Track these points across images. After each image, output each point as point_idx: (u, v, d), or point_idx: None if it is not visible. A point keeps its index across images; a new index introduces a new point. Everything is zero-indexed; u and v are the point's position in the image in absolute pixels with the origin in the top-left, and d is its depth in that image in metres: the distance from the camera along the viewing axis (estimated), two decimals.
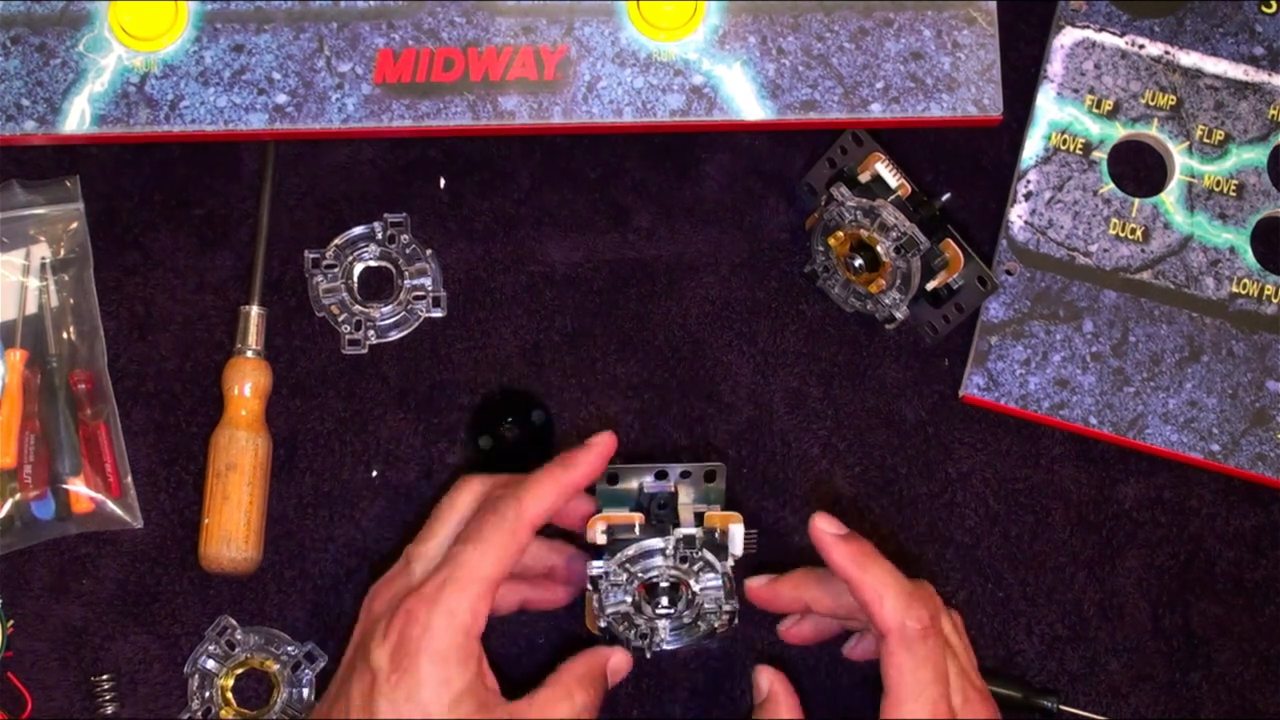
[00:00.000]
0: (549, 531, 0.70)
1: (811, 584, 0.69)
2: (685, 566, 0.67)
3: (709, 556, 0.67)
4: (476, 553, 0.63)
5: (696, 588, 0.68)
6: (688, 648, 0.71)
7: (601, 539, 0.68)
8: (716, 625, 0.69)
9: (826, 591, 0.68)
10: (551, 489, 0.66)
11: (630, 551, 0.67)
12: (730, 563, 0.68)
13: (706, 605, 0.68)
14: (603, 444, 0.68)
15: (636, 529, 0.68)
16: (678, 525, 0.68)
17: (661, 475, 0.70)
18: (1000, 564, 0.76)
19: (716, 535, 0.68)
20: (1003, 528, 0.76)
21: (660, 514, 0.68)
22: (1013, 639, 0.75)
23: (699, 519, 0.69)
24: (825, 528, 0.66)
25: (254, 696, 0.73)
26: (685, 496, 0.70)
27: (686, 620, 0.69)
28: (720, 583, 0.68)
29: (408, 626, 0.61)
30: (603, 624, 0.68)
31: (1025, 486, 0.77)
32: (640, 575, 0.67)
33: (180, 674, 0.73)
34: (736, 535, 0.69)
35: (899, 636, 0.63)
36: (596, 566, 0.67)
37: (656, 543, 0.67)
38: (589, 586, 0.67)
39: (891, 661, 0.63)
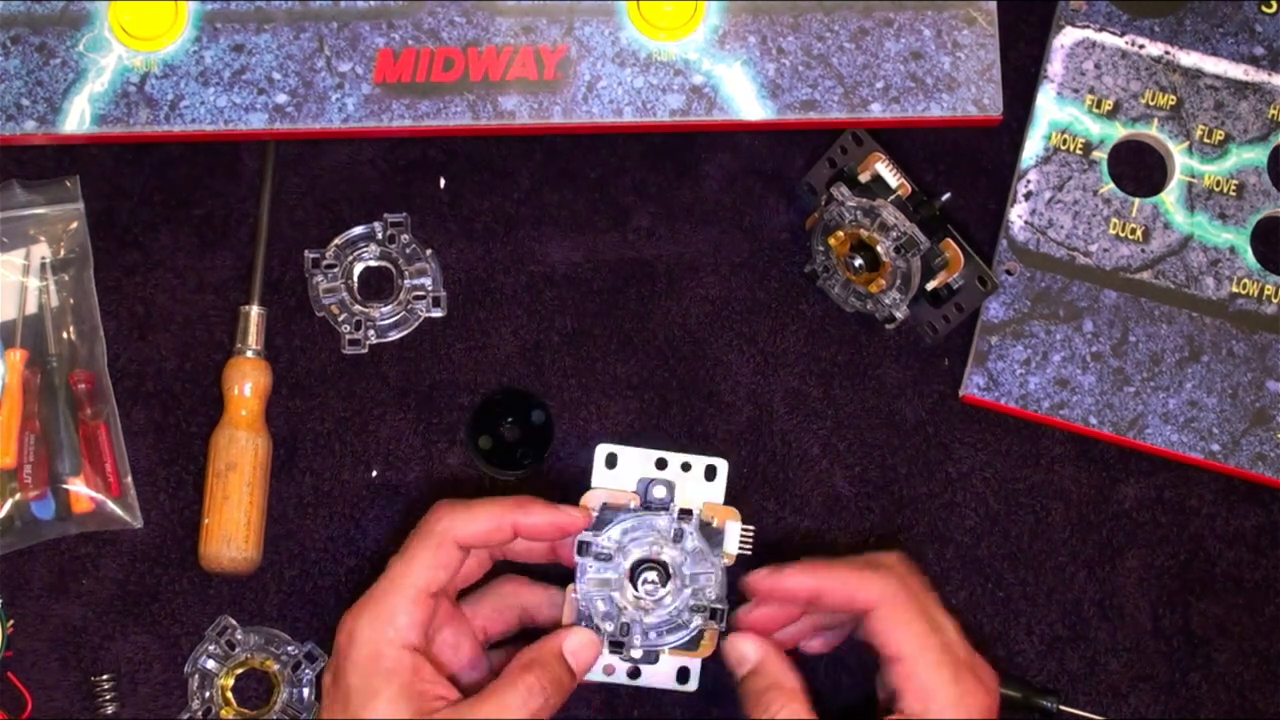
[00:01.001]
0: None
1: (821, 570, 0.66)
2: (679, 545, 0.67)
3: (703, 544, 0.67)
4: (401, 565, 0.65)
5: (686, 572, 0.67)
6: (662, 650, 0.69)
7: (596, 513, 0.67)
8: (701, 625, 0.67)
9: (835, 576, 0.66)
10: (490, 517, 0.65)
11: (625, 524, 0.67)
12: (724, 560, 0.68)
13: (690, 600, 0.67)
14: (571, 518, 0.67)
15: (631, 506, 0.68)
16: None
17: (661, 464, 0.70)
18: (1000, 564, 0.76)
19: (714, 524, 0.68)
20: (1003, 528, 0.76)
21: (658, 501, 0.68)
22: (1013, 639, 0.75)
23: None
24: (758, 576, 0.66)
25: (254, 696, 0.73)
26: (684, 489, 0.70)
27: (672, 613, 0.67)
28: (712, 574, 0.67)
29: (340, 641, 0.64)
30: (582, 605, 0.66)
31: (1025, 486, 0.77)
32: (632, 549, 0.66)
33: (180, 674, 0.73)
34: (732, 532, 0.68)
35: (885, 600, 0.64)
36: (586, 535, 0.66)
37: (652, 516, 0.67)
38: (575, 555, 0.66)
39: (885, 628, 0.64)
